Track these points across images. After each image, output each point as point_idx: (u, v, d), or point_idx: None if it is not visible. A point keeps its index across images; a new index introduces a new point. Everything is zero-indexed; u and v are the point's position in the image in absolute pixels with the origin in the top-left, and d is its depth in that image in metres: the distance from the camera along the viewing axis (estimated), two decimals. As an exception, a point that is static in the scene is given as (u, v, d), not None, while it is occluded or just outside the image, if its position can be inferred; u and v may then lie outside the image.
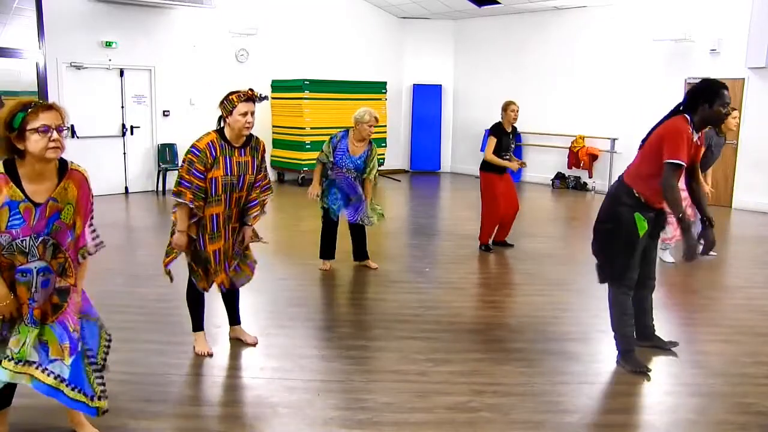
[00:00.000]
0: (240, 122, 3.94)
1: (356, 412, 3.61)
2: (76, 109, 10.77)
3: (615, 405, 3.86)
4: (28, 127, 2.62)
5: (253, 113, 3.97)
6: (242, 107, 3.92)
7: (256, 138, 4.21)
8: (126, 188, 11.48)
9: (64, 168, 2.82)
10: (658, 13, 11.42)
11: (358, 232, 6.48)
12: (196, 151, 3.96)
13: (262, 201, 4.26)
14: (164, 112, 11.77)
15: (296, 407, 3.66)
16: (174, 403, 3.68)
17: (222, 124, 4.07)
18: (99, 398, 2.94)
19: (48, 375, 2.83)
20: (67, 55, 10.63)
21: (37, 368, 2.83)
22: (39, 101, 2.71)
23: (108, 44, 10.98)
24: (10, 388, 2.94)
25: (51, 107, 2.70)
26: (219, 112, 4.06)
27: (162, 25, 11.58)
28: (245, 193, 4.15)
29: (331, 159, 6.07)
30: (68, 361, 2.85)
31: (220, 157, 3.98)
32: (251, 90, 4.02)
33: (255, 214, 4.23)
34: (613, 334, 4.31)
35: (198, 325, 4.38)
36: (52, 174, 2.76)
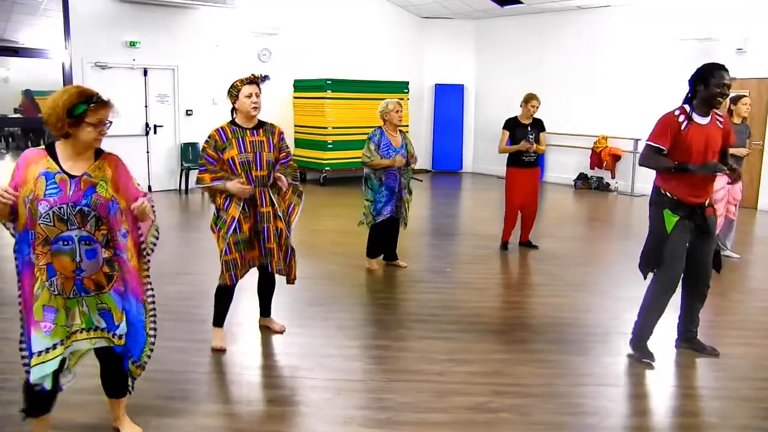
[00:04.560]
0: (246, 104, 4.20)
1: (376, 411, 3.63)
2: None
3: (635, 407, 3.84)
4: (87, 119, 2.84)
5: (258, 95, 4.24)
6: (246, 89, 4.20)
7: (271, 123, 4.42)
8: (149, 187, 11.60)
9: (99, 151, 3.04)
10: (683, 12, 11.30)
11: (393, 232, 6.54)
12: (207, 139, 4.27)
13: (283, 171, 4.34)
14: (187, 111, 11.89)
15: (317, 406, 3.69)
16: (196, 400, 3.73)
17: (234, 115, 4.32)
18: (138, 366, 3.25)
19: (115, 338, 3.10)
20: (92, 55, 10.78)
21: (106, 331, 3.08)
22: (99, 96, 2.89)
23: (132, 44, 11.11)
24: (51, 395, 3.00)
25: (107, 104, 2.91)
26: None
27: (185, 25, 11.70)
28: (267, 172, 4.26)
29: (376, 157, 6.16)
30: (123, 323, 3.12)
31: (233, 139, 4.22)
32: (253, 74, 4.30)
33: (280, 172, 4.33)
34: (636, 318, 4.40)
35: (220, 321, 4.46)
36: (89, 155, 2.99)
